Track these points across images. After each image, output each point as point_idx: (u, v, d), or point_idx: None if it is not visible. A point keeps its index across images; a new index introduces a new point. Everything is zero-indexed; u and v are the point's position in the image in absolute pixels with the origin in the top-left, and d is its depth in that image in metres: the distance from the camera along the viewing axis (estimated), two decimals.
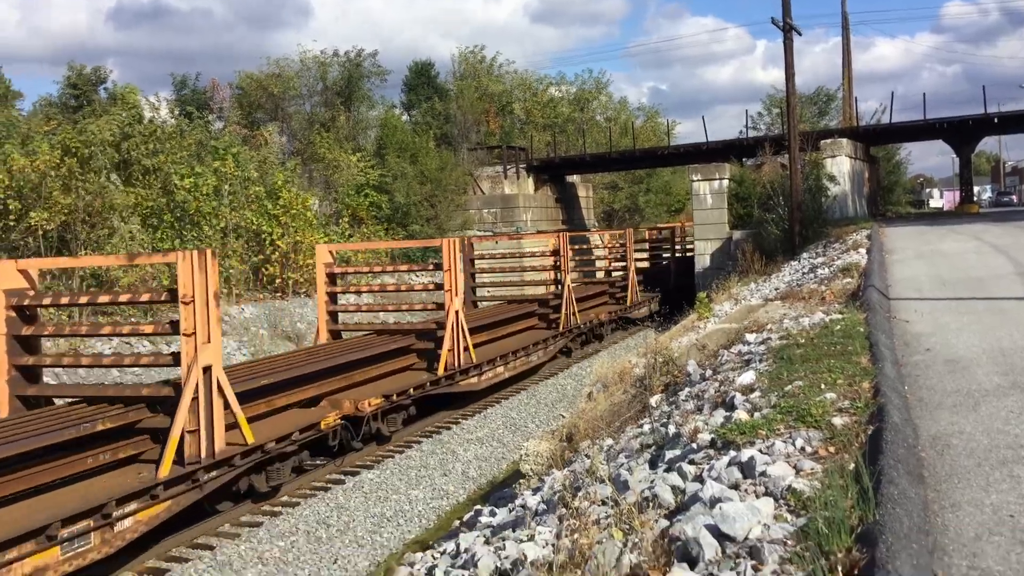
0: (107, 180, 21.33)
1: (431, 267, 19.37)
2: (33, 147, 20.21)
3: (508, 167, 39.41)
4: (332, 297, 18.23)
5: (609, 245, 35.06)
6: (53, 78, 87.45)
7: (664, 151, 39.85)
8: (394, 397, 14.86)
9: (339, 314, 18.64)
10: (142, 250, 21.34)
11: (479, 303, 25.30)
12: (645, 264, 37.78)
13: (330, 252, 18.52)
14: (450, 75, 49.48)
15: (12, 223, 18.87)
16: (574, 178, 43.76)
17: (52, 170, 19.58)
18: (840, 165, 31.00)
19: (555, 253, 24.62)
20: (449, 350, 16.90)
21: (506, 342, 20.69)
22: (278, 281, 26.46)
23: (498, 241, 31.72)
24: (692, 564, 3.74)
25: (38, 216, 18.98)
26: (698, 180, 33.05)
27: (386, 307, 21.25)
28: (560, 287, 24.01)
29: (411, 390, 15.52)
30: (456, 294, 17.23)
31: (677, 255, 38.26)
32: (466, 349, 17.45)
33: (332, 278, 18.22)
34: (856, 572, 3.15)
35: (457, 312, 17.18)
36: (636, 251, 33.79)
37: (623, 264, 31.94)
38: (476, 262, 25.95)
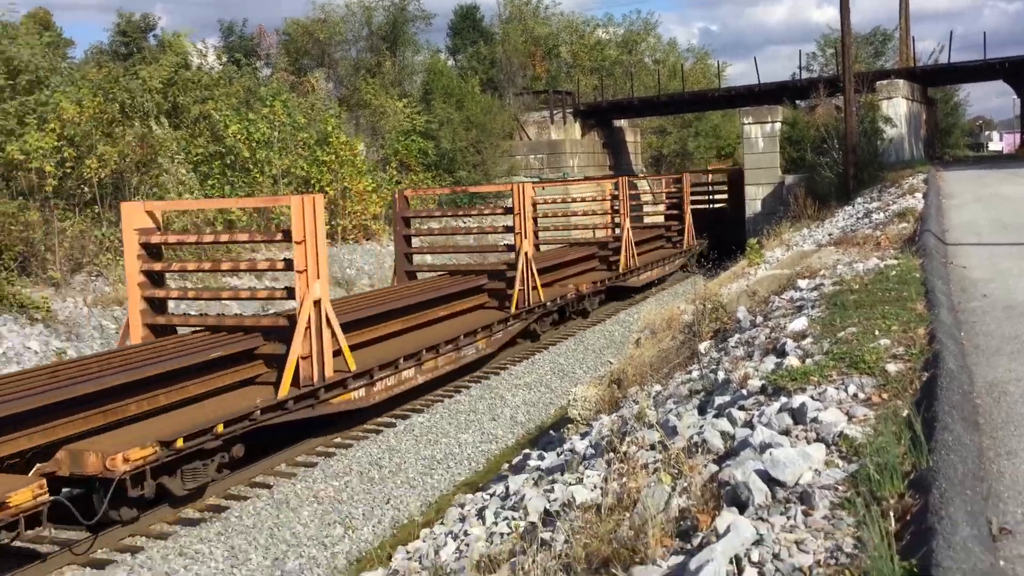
0: (155, 125, 21.53)
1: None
2: (82, 95, 20.41)
3: (554, 112, 39.04)
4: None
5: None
6: (103, 26, 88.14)
7: (714, 94, 39.08)
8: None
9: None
10: (190, 195, 21.61)
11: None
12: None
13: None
14: (496, 19, 48.88)
15: (68, 171, 19.19)
16: (621, 123, 43.21)
17: (96, 118, 19.81)
18: (896, 107, 30.19)
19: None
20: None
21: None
22: (328, 227, 26.63)
23: (544, 187, 31.58)
24: (741, 508, 3.75)
25: (91, 163, 19.27)
26: (749, 123, 32.44)
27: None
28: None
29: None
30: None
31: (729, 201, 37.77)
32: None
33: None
34: (908, 518, 3.14)
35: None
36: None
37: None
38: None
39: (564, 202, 28.63)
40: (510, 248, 19.20)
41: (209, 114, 24.52)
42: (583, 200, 28.55)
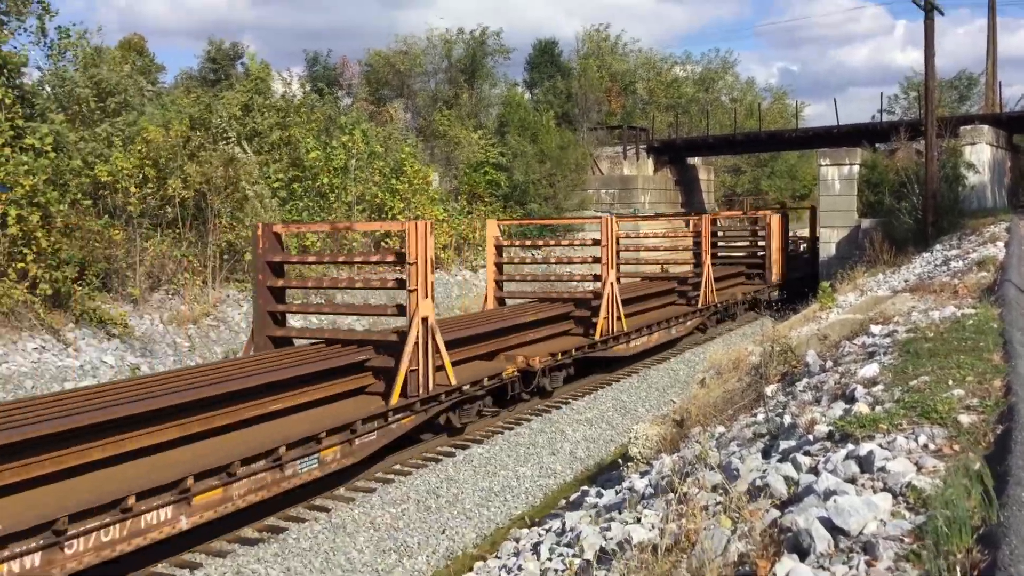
0: (240, 150, 22.17)
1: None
2: (169, 119, 21.14)
3: (628, 147, 39.06)
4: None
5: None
6: (194, 52, 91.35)
7: (791, 134, 38.66)
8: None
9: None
10: (270, 219, 22.12)
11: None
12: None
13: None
14: (573, 54, 49.29)
15: (151, 191, 19.83)
16: (695, 160, 43.00)
17: (182, 141, 20.49)
18: (980, 153, 29.45)
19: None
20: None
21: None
22: None
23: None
24: (802, 556, 3.66)
25: (174, 184, 19.88)
26: (826, 165, 31.95)
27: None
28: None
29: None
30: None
31: (801, 244, 37.38)
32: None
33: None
34: (976, 573, 3.03)
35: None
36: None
37: (762, 246, 32.25)
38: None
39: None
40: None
41: (289, 140, 25.15)
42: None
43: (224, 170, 21.07)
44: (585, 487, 9.91)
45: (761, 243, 32.08)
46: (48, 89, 20.72)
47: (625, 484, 7.83)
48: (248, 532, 10.31)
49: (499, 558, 7.60)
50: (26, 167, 16.07)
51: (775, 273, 30.63)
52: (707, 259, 24.92)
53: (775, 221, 30.64)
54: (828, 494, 4.10)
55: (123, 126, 20.13)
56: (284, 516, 10.82)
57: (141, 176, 19.56)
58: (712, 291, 25.23)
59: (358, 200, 26.40)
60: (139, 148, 19.67)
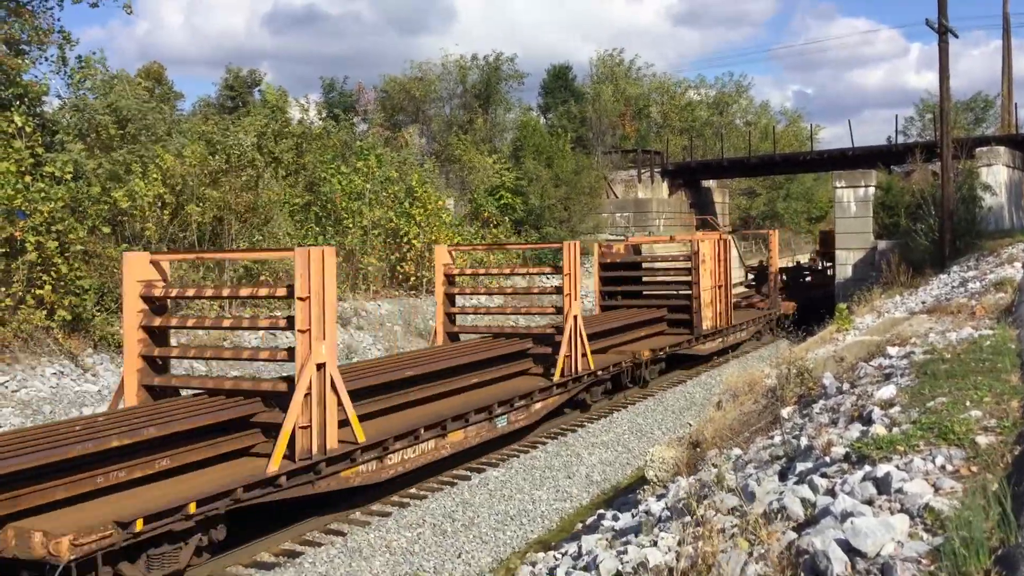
0: (261, 175, 22.43)
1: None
2: (188, 147, 21.41)
3: (642, 171, 39.14)
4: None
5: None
6: (211, 80, 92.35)
7: (806, 156, 38.67)
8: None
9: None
10: (289, 245, 22.28)
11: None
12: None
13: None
14: (588, 78, 49.55)
15: (167, 216, 20.02)
16: (710, 183, 43.03)
17: (198, 167, 20.71)
18: (996, 174, 29.35)
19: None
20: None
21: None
22: (413, 279, 27.14)
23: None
24: None
25: (191, 209, 20.08)
26: (842, 187, 31.91)
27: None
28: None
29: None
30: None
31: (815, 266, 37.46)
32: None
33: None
34: None
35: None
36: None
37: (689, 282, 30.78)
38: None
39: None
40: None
41: (305, 165, 25.39)
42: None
43: (244, 195, 21.28)
44: (601, 510, 9.86)
45: (686, 278, 24.16)
46: (68, 118, 21.01)
47: (641, 507, 7.79)
48: (264, 556, 10.31)
49: None
50: (43, 194, 16.26)
51: (708, 319, 23.60)
52: (571, 306, 16.71)
53: (707, 248, 23.80)
54: (845, 516, 4.08)
55: (142, 152, 20.38)
56: (300, 540, 10.82)
57: (160, 203, 19.76)
58: (585, 353, 17.20)
59: (374, 225, 26.54)
60: (154, 176, 19.89)
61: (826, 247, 39.29)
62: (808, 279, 37.90)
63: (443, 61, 42.31)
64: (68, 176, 17.27)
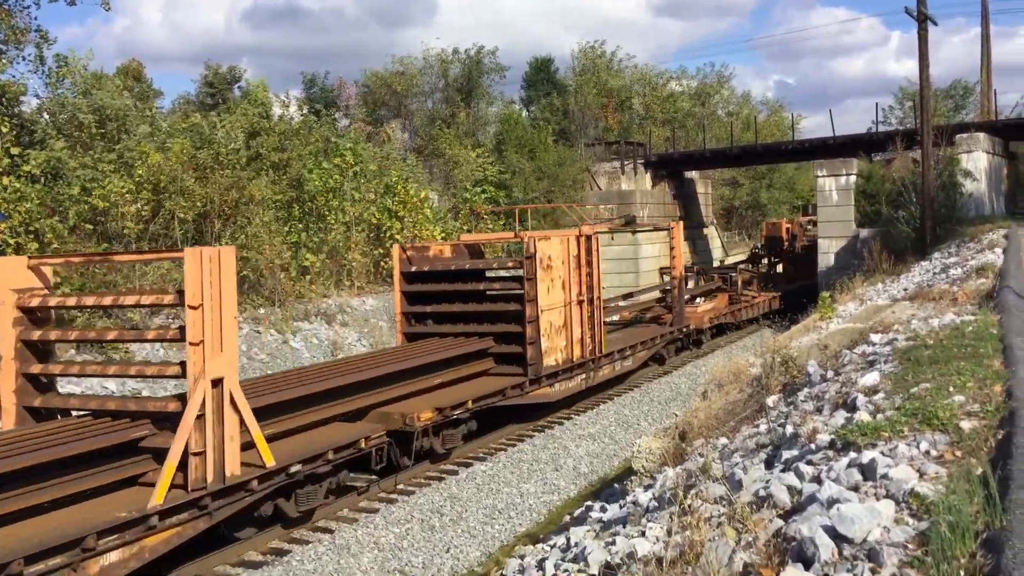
0: (250, 172, 22.33)
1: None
2: (171, 143, 21.27)
3: (625, 163, 39.15)
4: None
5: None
6: (191, 77, 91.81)
7: (788, 146, 38.75)
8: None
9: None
10: (272, 243, 22.17)
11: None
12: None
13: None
14: (569, 71, 49.49)
15: (146, 214, 19.87)
16: (693, 174, 43.10)
17: (186, 163, 20.59)
18: (976, 161, 29.51)
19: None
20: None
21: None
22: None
23: (613, 237, 31.55)
24: (807, 564, 3.66)
25: (172, 204, 19.93)
26: (823, 176, 32.02)
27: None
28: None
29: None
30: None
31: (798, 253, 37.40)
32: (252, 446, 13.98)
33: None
34: None
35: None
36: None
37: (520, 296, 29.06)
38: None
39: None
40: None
41: (288, 162, 25.26)
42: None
43: (229, 192, 21.16)
44: (589, 502, 9.88)
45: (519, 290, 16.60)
46: (47, 117, 20.82)
47: (629, 498, 7.81)
48: (252, 555, 10.28)
49: None
50: (19, 194, 16.10)
51: (558, 349, 16.73)
52: (203, 364, 10.53)
53: (554, 250, 16.66)
54: (831, 502, 4.10)
55: (123, 150, 20.23)
56: (288, 538, 10.78)
57: (137, 200, 19.61)
58: (252, 443, 10.40)
59: (357, 221, 26.45)
60: (139, 172, 19.74)
61: (772, 241, 38.33)
62: (734, 282, 30.37)
63: (424, 55, 42.18)
64: (40, 172, 17.09)
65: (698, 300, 27.43)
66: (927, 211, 25.37)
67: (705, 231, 43.71)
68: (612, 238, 35.22)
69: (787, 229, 38.54)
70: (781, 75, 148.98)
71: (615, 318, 24.31)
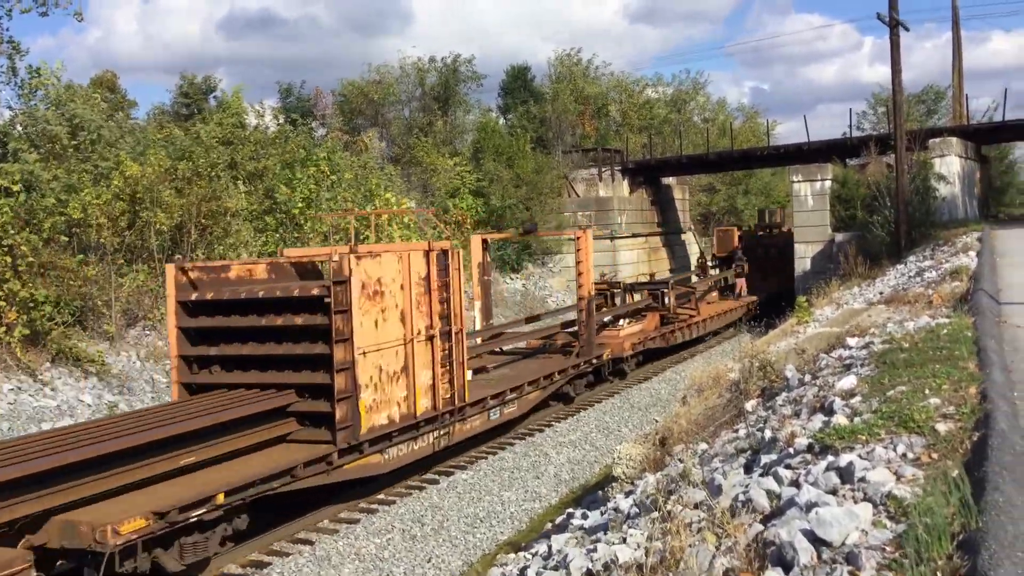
0: (226, 182, 22.21)
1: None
2: (148, 154, 21.13)
3: (603, 169, 39.28)
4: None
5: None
6: (166, 87, 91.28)
7: (763, 152, 39.03)
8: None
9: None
10: (247, 253, 22.06)
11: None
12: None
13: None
14: (546, 79, 49.63)
15: (124, 224, 19.74)
16: (670, 180, 43.30)
17: (163, 174, 20.48)
18: (949, 165, 29.84)
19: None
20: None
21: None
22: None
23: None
24: (786, 569, 3.68)
25: (148, 215, 19.81)
26: (799, 181, 32.26)
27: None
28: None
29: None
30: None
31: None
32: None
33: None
34: None
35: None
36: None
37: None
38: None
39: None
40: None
41: (263, 171, 25.17)
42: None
43: (207, 203, 21.07)
44: (571, 509, 9.88)
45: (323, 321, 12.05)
46: (20, 128, 20.63)
47: (610, 505, 7.82)
48: (231, 568, 10.20)
49: None
50: None
51: (393, 403, 12.55)
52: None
53: (386, 271, 12.59)
54: (810, 506, 4.12)
55: (98, 161, 20.08)
56: (267, 550, 10.71)
57: (114, 211, 19.47)
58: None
59: (335, 230, 26.37)
60: (116, 183, 19.59)
61: (725, 250, 35.11)
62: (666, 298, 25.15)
63: (401, 64, 42.20)
64: (17, 188, 16.93)
65: (622, 322, 23.30)
66: (901, 215, 25.61)
67: (683, 237, 43.90)
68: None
69: (740, 237, 36.07)
70: (756, 81, 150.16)
71: (522, 345, 20.85)
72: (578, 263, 19.38)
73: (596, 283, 23.20)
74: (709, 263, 34.92)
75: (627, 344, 21.36)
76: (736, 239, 35.35)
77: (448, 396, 13.75)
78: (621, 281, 25.92)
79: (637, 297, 24.74)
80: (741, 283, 32.65)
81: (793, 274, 32.15)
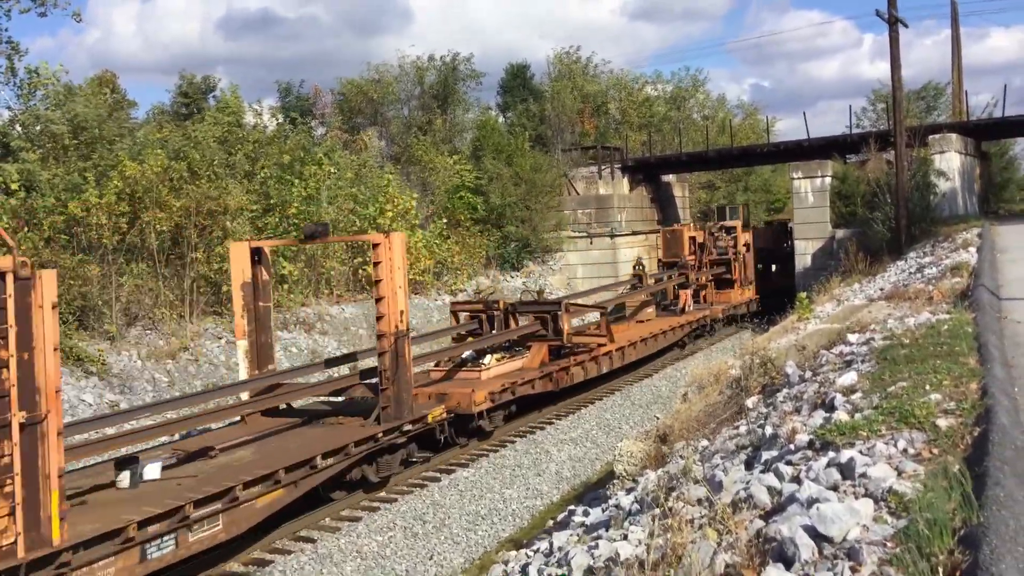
0: (225, 182, 22.20)
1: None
2: (145, 154, 21.12)
3: (603, 167, 39.25)
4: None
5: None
6: (165, 87, 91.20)
7: (763, 149, 38.99)
8: None
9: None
10: None
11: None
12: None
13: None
14: (545, 77, 49.59)
15: (125, 224, 19.74)
16: (670, 178, 43.26)
17: (161, 174, 20.47)
18: (949, 161, 29.82)
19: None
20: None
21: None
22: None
23: (592, 241, 31.55)
24: (788, 564, 3.68)
25: (150, 216, 19.82)
26: (799, 178, 32.24)
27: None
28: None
29: None
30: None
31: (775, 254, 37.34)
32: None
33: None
34: (958, 575, 3.06)
35: None
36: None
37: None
38: None
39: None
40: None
41: (259, 171, 25.18)
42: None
43: (206, 203, 21.07)
44: (572, 506, 9.88)
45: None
46: (19, 128, 20.62)
47: (611, 502, 7.82)
48: (234, 566, 10.21)
49: None
50: None
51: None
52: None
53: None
54: (811, 502, 4.12)
55: (98, 160, 20.09)
56: (269, 548, 10.72)
57: (117, 211, 19.48)
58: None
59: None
60: (115, 183, 19.59)
61: (673, 255, 30.14)
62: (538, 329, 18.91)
63: (400, 62, 42.15)
64: (16, 186, 16.93)
65: (487, 359, 17.54)
66: (902, 211, 25.61)
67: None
68: (591, 243, 35.50)
69: (692, 239, 30.88)
70: (756, 78, 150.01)
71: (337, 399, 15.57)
72: (377, 282, 13.00)
73: (464, 302, 20.70)
74: (648, 271, 28.72)
75: (481, 394, 15.11)
76: (686, 241, 30.29)
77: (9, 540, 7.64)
78: (500, 300, 19.14)
79: (524, 321, 18.87)
80: (686, 296, 27.48)
81: (752, 287, 31.36)
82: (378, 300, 13.01)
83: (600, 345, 19.88)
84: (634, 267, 28.14)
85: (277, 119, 31.85)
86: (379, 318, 13.05)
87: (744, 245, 31.74)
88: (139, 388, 17.38)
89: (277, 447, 12.01)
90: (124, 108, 33.18)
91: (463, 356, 17.31)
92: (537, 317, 18.76)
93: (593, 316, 21.97)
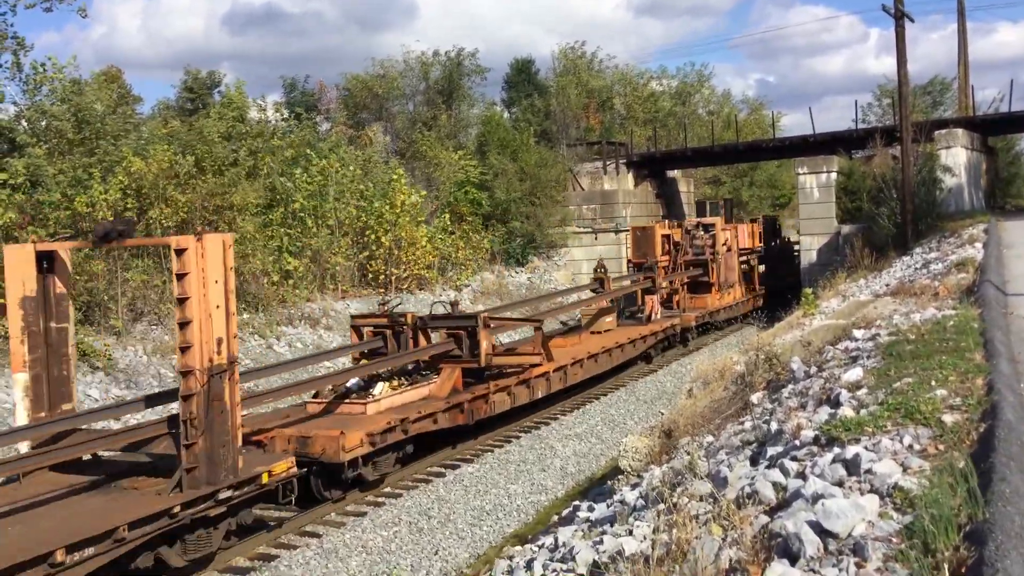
0: (232, 177, 22.22)
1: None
2: (151, 149, 21.15)
3: (608, 163, 39.21)
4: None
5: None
6: (170, 82, 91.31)
7: (768, 144, 38.91)
8: None
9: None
10: (257, 249, 22.08)
11: None
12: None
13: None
14: (550, 72, 49.54)
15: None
16: (675, 173, 43.21)
17: (167, 170, 20.50)
18: (955, 156, 29.73)
19: None
20: None
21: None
22: (382, 277, 27.05)
23: (597, 237, 31.50)
24: (792, 560, 3.68)
25: (156, 213, 19.86)
26: (804, 173, 32.17)
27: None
28: None
29: None
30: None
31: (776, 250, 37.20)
32: None
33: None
34: (963, 571, 3.06)
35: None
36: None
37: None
38: None
39: None
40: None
41: (262, 167, 25.20)
42: None
43: (212, 199, 21.10)
44: (577, 502, 9.89)
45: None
46: (25, 124, 20.65)
47: (616, 497, 7.82)
48: (239, 560, 10.23)
49: None
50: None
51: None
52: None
53: None
54: (816, 498, 4.12)
55: (103, 155, 20.11)
56: (275, 543, 10.75)
57: (123, 207, 19.52)
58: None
59: (340, 224, 26.40)
60: (120, 179, 19.62)
61: (643, 255, 25.93)
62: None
63: (405, 58, 42.15)
64: (21, 180, 16.96)
65: (378, 388, 14.00)
66: (907, 207, 25.55)
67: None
68: (596, 238, 35.45)
69: (666, 237, 27.77)
70: (761, 73, 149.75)
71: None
72: (182, 300, 9.39)
73: (367, 315, 17.42)
74: (612, 273, 25.42)
75: (356, 436, 11.88)
76: (658, 240, 26.86)
77: None
78: (410, 314, 15.82)
79: (437, 339, 15.91)
80: (652, 301, 24.12)
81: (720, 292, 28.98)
82: (182, 325, 9.33)
83: (534, 365, 16.73)
84: (595, 269, 24.61)
85: (281, 114, 31.89)
86: (184, 349, 9.33)
87: (724, 244, 28.74)
88: (145, 383, 17.42)
89: (55, 519, 8.65)
90: (129, 103, 33.25)
91: (346, 385, 13.92)
92: (450, 334, 15.44)
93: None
